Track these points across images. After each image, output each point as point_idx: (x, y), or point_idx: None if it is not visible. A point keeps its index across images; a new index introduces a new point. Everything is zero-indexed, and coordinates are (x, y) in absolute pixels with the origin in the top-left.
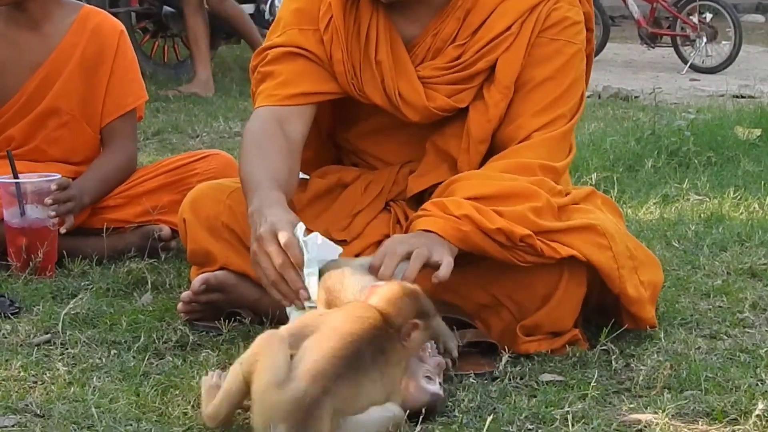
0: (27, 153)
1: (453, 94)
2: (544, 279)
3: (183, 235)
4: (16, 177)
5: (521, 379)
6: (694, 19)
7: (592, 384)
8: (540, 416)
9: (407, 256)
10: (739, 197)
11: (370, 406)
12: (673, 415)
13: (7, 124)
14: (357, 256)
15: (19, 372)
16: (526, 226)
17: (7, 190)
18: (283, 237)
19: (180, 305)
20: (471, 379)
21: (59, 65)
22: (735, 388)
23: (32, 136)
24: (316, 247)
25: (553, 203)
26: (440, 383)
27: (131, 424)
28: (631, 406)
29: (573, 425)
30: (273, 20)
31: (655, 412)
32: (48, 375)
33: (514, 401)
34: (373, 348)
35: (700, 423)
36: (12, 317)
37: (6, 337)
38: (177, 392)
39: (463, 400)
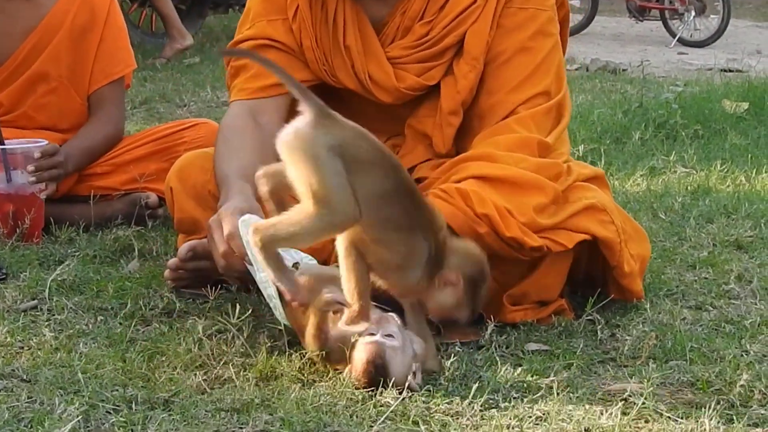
0: (15, 119)
1: (422, 72)
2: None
3: (170, 203)
4: (2, 143)
5: (507, 348)
6: None
7: (577, 353)
8: (525, 385)
9: None
10: (725, 170)
11: None
12: (657, 385)
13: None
14: None
15: (6, 338)
16: (534, 226)
17: None
18: (226, 227)
19: (167, 272)
20: (457, 348)
21: (50, 31)
22: (720, 358)
23: (20, 102)
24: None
25: (560, 192)
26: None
27: (117, 390)
28: (616, 375)
29: (558, 394)
30: None
31: (640, 382)
32: (34, 341)
33: (500, 370)
34: None
35: (684, 393)
36: None
37: None
38: (163, 358)
39: (449, 368)
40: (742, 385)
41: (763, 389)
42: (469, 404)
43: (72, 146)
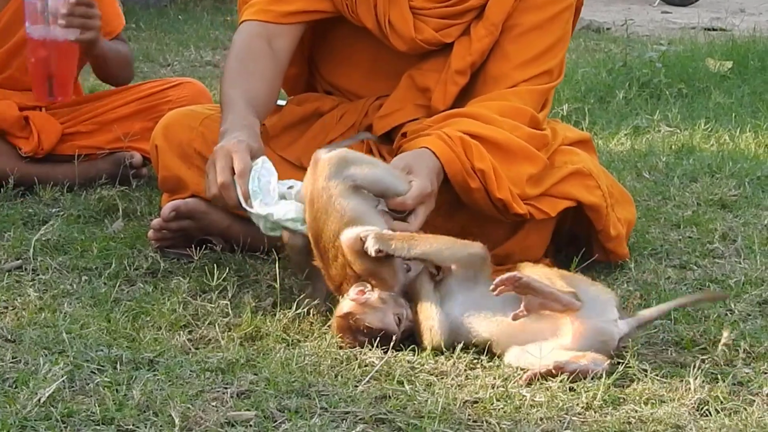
0: (2, 81)
1: (441, 28)
2: None
3: (155, 161)
4: None
5: None
6: None
7: None
8: None
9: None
10: (709, 129)
11: None
12: (642, 345)
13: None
14: None
15: None
16: (523, 194)
17: (35, 8)
18: (238, 163)
19: (151, 232)
20: None
21: None
22: (704, 317)
23: (7, 64)
24: (260, 172)
25: (547, 162)
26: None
27: (102, 350)
28: None
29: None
30: None
31: (625, 341)
32: (19, 301)
33: None
34: None
35: (669, 352)
36: None
37: None
38: (148, 318)
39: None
40: (726, 344)
41: (747, 348)
42: (454, 364)
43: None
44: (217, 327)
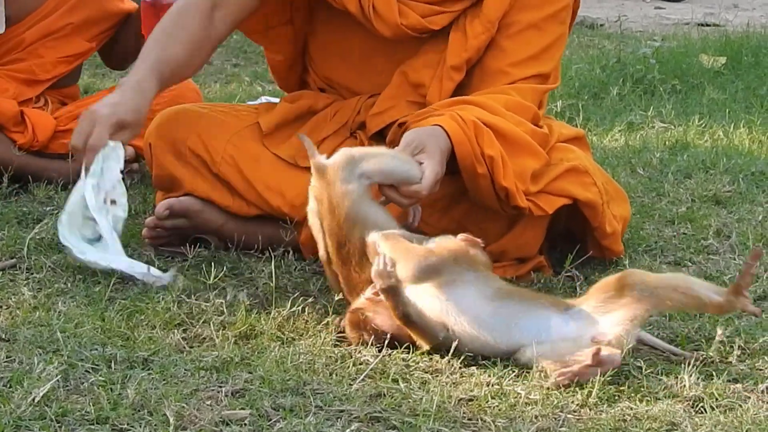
0: (25, 56)
1: (428, 14)
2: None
3: (149, 159)
4: None
5: None
6: None
7: None
8: None
9: None
10: (703, 125)
11: None
12: (636, 340)
13: (23, 32)
14: None
15: None
16: (524, 189)
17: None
18: (93, 137)
19: (145, 231)
20: None
21: None
22: (699, 314)
23: (36, 41)
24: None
25: (548, 160)
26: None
27: (97, 349)
28: None
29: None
30: None
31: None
32: (13, 299)
33: None
34: None
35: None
36: None
37: None
38: (142, 317)
39: None
40: (720, 341)
41: (742, 345)
42: (449, 362)
43: None
44: (211, 325)
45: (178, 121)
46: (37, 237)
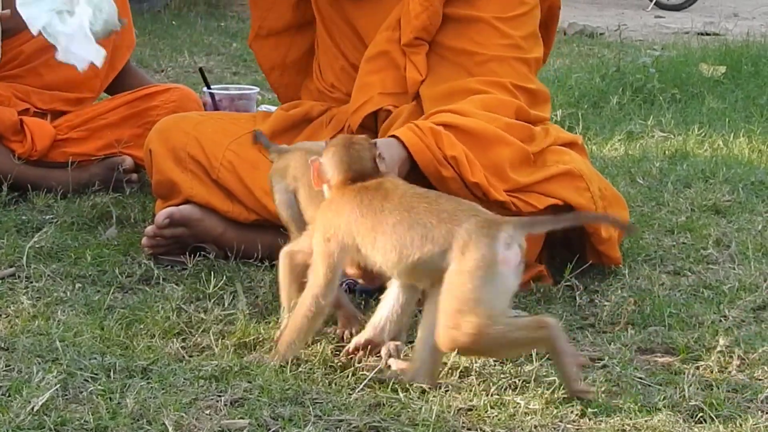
0: (25, 73)
1: None
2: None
3: (149, 165)
4: (209, 87)
5: None
6: None
7: (558, 320)
8: None
9: None
10: (703, 134)
11: None
12: (636, 351)
13: (21, 44)
14: None
15: None
16: (504, 181)
17: (204, 99)
18: None
19: (144, 240)
20: None
21: None
22: (698, 323)
23: (35, 57)
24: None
25: (527, 150)
26: None
27: (96, 358)
28: (595, 341)
29: (537, 361)
30: None
31: (619, 348)
32: (12, 308)
33: None
34: None
35: (663, 359)
36: None
37: None
38: (141, 326)
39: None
40: (720, 351)
41: (741, 354)
42: (448, 372)
43: None
44: (210, 334)
45: (178, 128)
46: (37, 246)
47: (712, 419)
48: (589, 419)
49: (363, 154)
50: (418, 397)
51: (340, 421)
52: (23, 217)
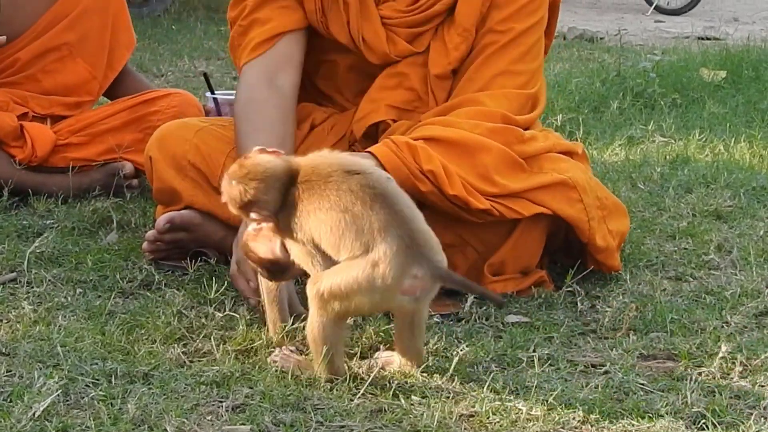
0: (23, 80)
1: (412, 38)
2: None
3: (149, 173)
4: (213, 93)
5: (487, 320)
6: None
7: (558, 325)
8: (506, 358)
9: None
10: (704, 139)
11: None
12: (638, 357)
13: (17, 52)
14: None
15: None
16: (492, 185)
17: (207, 105)
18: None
19: (145, 244)
20: (436, 320)
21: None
22: (700, 329)
23: (32, 64)
24: None
25: (511, 154)
26: None
27: (97, 363)
28: (597, 347)
29: (539, 367)
30: None
31: (621, 354)
32: (13, 314)
33: (480, 343)
34: None
35: (665, 365)
36: None
37: None
38: (143, 331)
39: (429, 341)
40: (722, 357)
41: (744, 361)
42: (449, 377)
43: None
44: (212, 340)
45: (178, 135)
46: (37, 251)
47: (715, 426)
48: (591, 425)
49: None
50: (420, 403)
51: (342, 427)
52: (24, 222)
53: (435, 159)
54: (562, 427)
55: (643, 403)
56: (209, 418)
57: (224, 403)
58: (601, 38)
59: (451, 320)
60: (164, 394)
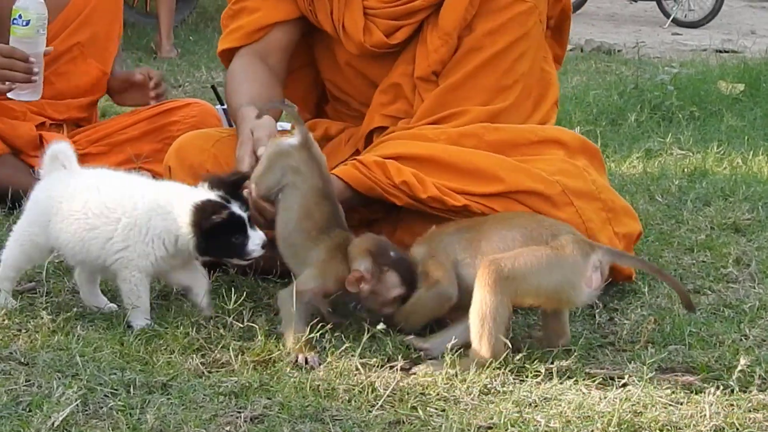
0: None
1: (390, 30)
2: None
3: None
4: (222, 104)
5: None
6: None
7: (576, 338)
8: (524, 370)
9: None
10: (722, 152)
11: None
12: (656, 370)
13: None
14: None
15: (3, 320)
16: (465, 186)
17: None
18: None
19: None
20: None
21: (78, 6)
22: (719, 343)
23: (46, 68)
24: None
25: (484, 158)
26: None
27: (116, 373)
28: (615, 360)
29: (557, 379)
30: None
31: (639, 367)
32: (32, 323)
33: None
34: None
35: (684, 378)
36: None
37: None
38: (161, 342)
39: (447, 351)
40: (741, 370)
41: (762, 374)
42: (468, 389)
43: None
44: (230, 350)
45: (196, 146)
46: (56, 261)
47: None
48: None
49: None
50: (438, 415)
51: None
52: None
53: (405, 170)
54: None
55: (661, 416)
56: (228, 428)
57: (243, 414)
58: (618, 51)
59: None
60: (183, 405)
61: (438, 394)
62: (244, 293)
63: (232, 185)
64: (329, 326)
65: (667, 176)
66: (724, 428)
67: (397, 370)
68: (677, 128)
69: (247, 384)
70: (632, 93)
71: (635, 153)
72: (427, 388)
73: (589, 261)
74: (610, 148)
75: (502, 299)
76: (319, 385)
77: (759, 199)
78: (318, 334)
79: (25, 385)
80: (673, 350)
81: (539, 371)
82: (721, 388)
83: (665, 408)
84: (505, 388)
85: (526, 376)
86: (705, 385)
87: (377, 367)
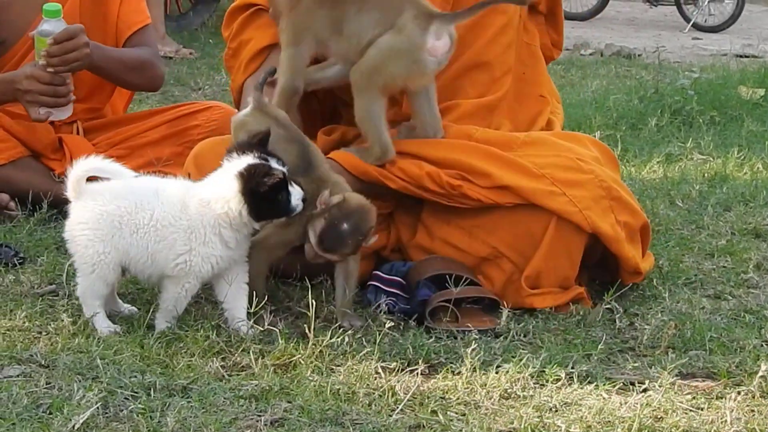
0: None
1: None
2: (536, 222)
3: None
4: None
5: (525, 336)
6: None
7: (596, 343)
8: (544, 375)
9: None
10: (742, 157)
11: None
12: (677, 375)
13: (19, 60)
14: None
15: (24, 322)
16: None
17: None
18: None
19: None
20: (474, 335)
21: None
22: (740, 348)
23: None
24: None
25: (461, 160)
26: None
27: (136, 376)
28: (635, 365)
29: (578, 384)
30: None
31: (660, 372)
32: (53, 326)
33: (518, 359)
34: None
35: (704, 383)
36: (17, 266)
37: (10, 288)
38: (181, 344)
39: (467, 356)
40: (762, 376)
41: None
42: (488, 393)
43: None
44: (250, 354)
45: (216, 152)
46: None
47: None
48: None
49: None
50: (458, 419)
51: None
52: (63, 235)
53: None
54: None
55: (682, 422)
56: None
57: (263, 417)
58: (638, 55)
59: (489, 336)
60: (203, 408)
61: (458, 399)
62: (265, 296)
63: (260, 144)
64: (349, 331)
65: (687, 181)
66: None
67: (417, 374)
68: (698, 133)
69: (268, 387)
70: (652, 98)
71: (656, 158)
72: (447, 392)
73: (428, 33)
74: (631, 152)
75: (370, 96)
76: (339, 388)
77: None
78: (338, 339)
79: (45, 388)
80: (693, 356)
81: (559, 376)
82: (742, 393)
83: (686, 413)
84: (525, 393)
85: (546, 381)
86: (726, 390)
87: (397, 371)
